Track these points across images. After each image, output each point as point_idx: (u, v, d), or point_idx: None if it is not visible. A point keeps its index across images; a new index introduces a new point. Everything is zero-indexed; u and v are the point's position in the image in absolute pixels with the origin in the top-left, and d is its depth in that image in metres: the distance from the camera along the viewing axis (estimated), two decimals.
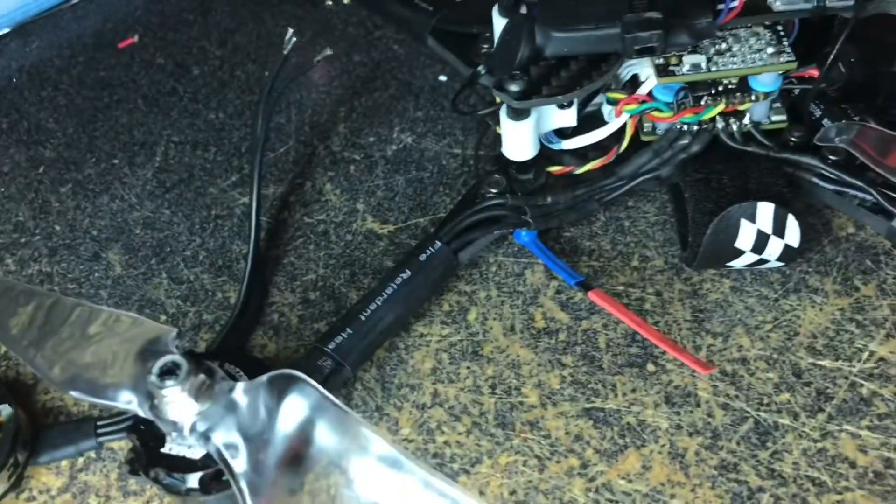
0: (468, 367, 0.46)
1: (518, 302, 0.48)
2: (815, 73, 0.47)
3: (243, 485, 0.36)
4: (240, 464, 0.36)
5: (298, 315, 0.48)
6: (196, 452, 0.38)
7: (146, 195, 0.54)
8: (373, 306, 0.44)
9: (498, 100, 0.46)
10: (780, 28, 0.46)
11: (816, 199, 0.48)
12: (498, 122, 0.47)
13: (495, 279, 0.49)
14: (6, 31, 0.63)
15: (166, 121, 0.58)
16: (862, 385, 0.44)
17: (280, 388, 0.36)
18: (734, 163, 0.46)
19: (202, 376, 0.36)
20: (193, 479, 0.37)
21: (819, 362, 0.45)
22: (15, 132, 0.58)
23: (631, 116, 0.47)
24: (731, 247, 0.45)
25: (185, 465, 0.38)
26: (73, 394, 0.37)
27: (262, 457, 0.36)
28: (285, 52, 0.48)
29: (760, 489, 0.41)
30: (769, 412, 0.43)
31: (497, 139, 0.48)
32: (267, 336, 0.48)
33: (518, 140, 0.47)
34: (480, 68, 0.49)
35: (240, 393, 0.36)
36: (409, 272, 0.45)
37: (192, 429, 0.36)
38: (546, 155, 0.50)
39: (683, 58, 0.45)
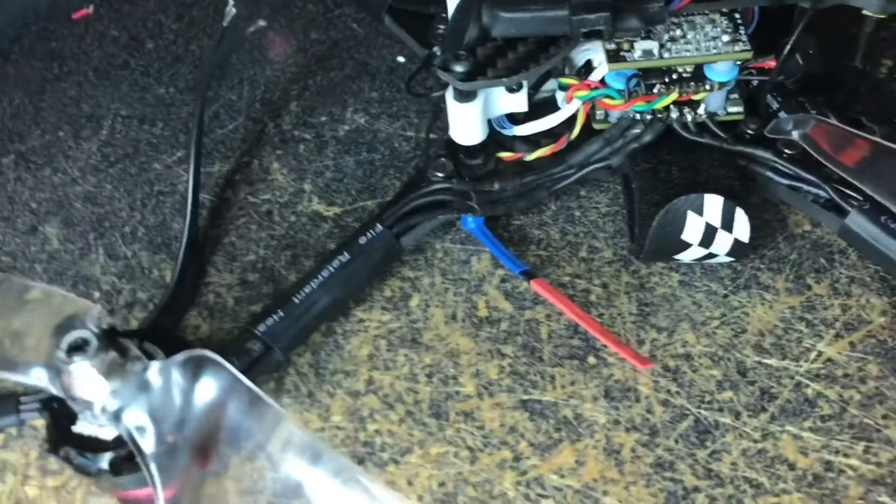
0: (406, 355, 0.45)
1: (462, 290, 0.47)
2: (772, 64, 0.45)
3: (153, 467, 0.34)
4: (150, 445, 0.34)
5: (235, 296, 0.47)
6: (108, 432, 0.36)
7: (89, 169, 0.53)
8: (307, 289, 0.43)
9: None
10: (737, 16, 0.44)
11: (771, 194, 0.47)
12: None
13: (440, 266, 0.48)
14: None
15: (116, 94, 0.56)
16: (807, 385, 0.43)
17: (194, 369, 0.35)
18: (685, 154, 0.45)
19: (113, 354, 0.34)
20: (104, 460, 0.36)
21: (765, 361, 0.43)
22: None
23: (583, 103, 0.46)
24: (678, 239, 0.43)
25: (97, 445, 0.36)
26: None
27: (174, 438, 0.35)
28: (225, 23, 0.47)
29: (696, 489, 0.40)
30: (710, 410, 0.42)
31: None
32: (201, 317, 0.46)
33: (465, 123, 0.45)
34: (436, 49, 0.48)
35: (154, 373, 0.35)
36: (347, 255, 0.44)
37: (103, 408, 0.35)
38: (498, 141, 0.48)
39: (635, 43, 0.44)
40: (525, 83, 0.45)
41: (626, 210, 0.48)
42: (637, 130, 0.46)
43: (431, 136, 0.50)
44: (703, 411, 0.42)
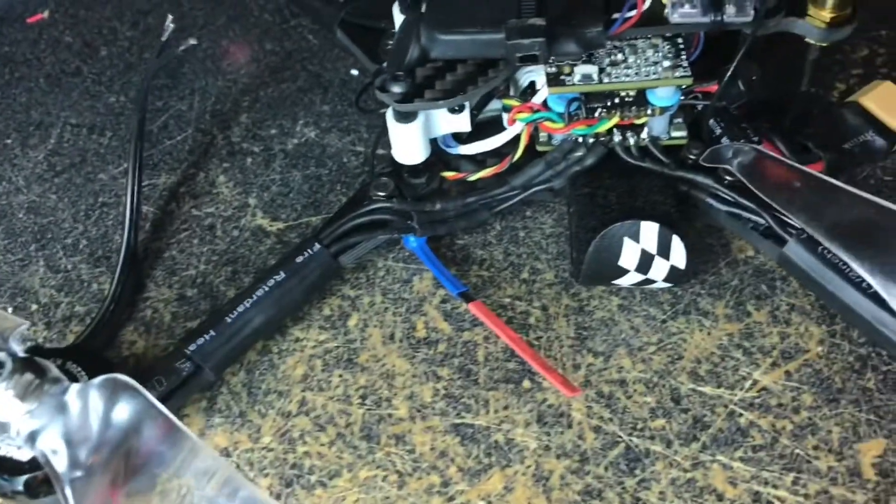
0: (340, 376, 0.44)
1: (402, 309, 0.46)
2: (715, 89, 0.45)
3: (68, 490, 0.34)
4: (65, 467, 0.34)
5: (172, 312, 0.47)
6: (24, 454, 0.36)
7: (35, 178, 0.52)
8: (240, 308, 0.43)
9: None
10: (680, 41, 0.44)
11: (713, 219, 0.47)
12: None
13: (382, 284, 0.47)
14: None
15: (66, 102, 0.56)
16: (741, 415, 0.42)
17: (111, 393, 0.35)
18: (624, 179, 0.44)
19: (29, 375, 0.34)
20: (20, 482, 0.36)
21: (700, 388, 0.43)
22: None
23: (526, 125, 0.46)
24: (615, 265, 0.43)
25: (13, 466, 0.36)
26: None
27: (90, 462, 0.35)
28: (164, 39, 0.46)
29: None
30: (642, 438, 0.42)
31: None
32: (137, 332, 0.46)
33: (406, 143, 0.45)
34: (385, 65, 0.48)
35: (72, 395, 0.35)
36: (283, 274, 0.44)
37: (19, 430, 0.34)
38: (444, 159, 0.48)
39: (576, 67, 0.44)
40: (467, 104, 0.45)
41: (568, 233, 0.48)
42: (579, 153, 0.46)
43: (379, 152, 0.50)
44: (634, 439, 0.42)
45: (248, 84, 0.56)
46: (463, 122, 0.46)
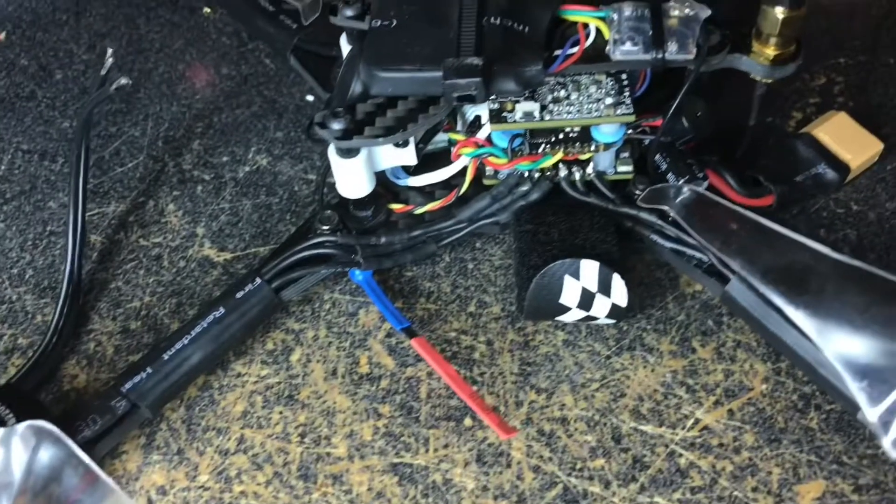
0: (281, 413, 0.44)
1: (346, 344, 0.46)
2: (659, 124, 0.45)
3: None
4: None
5: (115, 345, 0.46)
6: None
7: None
8: (178, 345, 0.43)
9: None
10: (623, 78, 0.44)
11: (658, 255, 0.46)
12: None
13: (327, 318, 0.47)
14: None
15: (19, 127, 0.56)
16: (681, 455, 0.42)
17: (34, 440, 0.34)
18: (567, 215, 0.44)
19: None
20: None
21: (641, 427, 0.43)
22: None
23: (472, 159, 0.45)
24: (557, 302, 0.43)
25: None
26: None
27: None
28: (103, 72, 0.46)
29: None
30: (580, 478, 0.42)
31: None
32: (80, 366, 0.46)
33: (349, 178, 0.45)
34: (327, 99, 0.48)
35: None
36: (222, 310, 0.44)
37: None
38: (393, 191, 0.48)
39: (518, 104, 0.43)
40: (412, 139, 0.45)
41: (514, 267, 0.47)
42: (525, 188, 0.45)
43: (330, 180, 0.50)
44: (573, 479, 0.42)
45: (202, 109, 0.56)
46: (408, 156, 0.46)
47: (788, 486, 0.41)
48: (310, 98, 0.56)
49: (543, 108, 0.43)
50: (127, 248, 0.50)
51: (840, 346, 0.36)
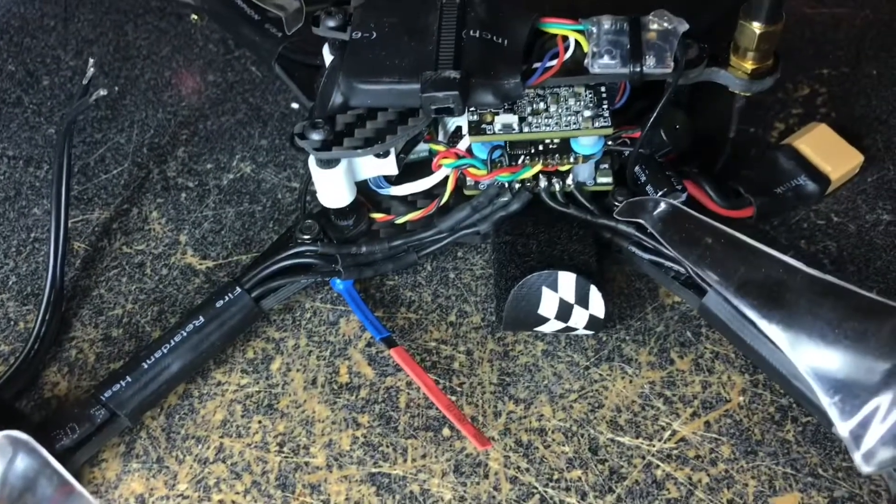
0: (260, 422, 0.44)
1: (326, 353, 0.46)
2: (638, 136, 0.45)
3: None
4: None
5: (97, 353, 0.47)
6: None
7: None
8: (157, 354, 0.43)
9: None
10: (602, 90, 0.44)
11: (636, 267, 0.47)
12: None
13: (307, 326, 0.47)
14: None
15: (4, 133, 0.56)
16: (658, 466, 0.42)
17: (9, 449, 0.35)
18: (545, 227, 0.44)
19: None
20: None
21: (618, 438, 0.43)
22: None
23: (452, 170, 0.46)
24: (535, 313, 0.43)
25: None
26: None
27: None
28: (84, 82, 0.46)
29: None
30: (557, 489, 0.42)
31: None
32: (61, 373, 0.46)
33: (329, 187, 0.45)
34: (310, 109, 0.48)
35: None
36: (202, 319, 0.44)
37: None
38: (375, 200, 0.48)
39: (497, 116, 0.43)
40: (392, 149, 0.45)
41: (493, 278, 0.48)
42: (505, 199, 0.45)
43: (312, 188, 0.50)
44: (550, 490, 0.42)
45: (188, 116, 0.56)
46: (389, 166, 0.46)
47: (764, 498, 0.41)
48: (295, 106, 0.56)
49: (522, 120, 0.43)
50: (110, 256, 0.50)
51: (812, 360, 0.37)
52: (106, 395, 0.42)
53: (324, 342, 0.47)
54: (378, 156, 0.45)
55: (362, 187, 0.47)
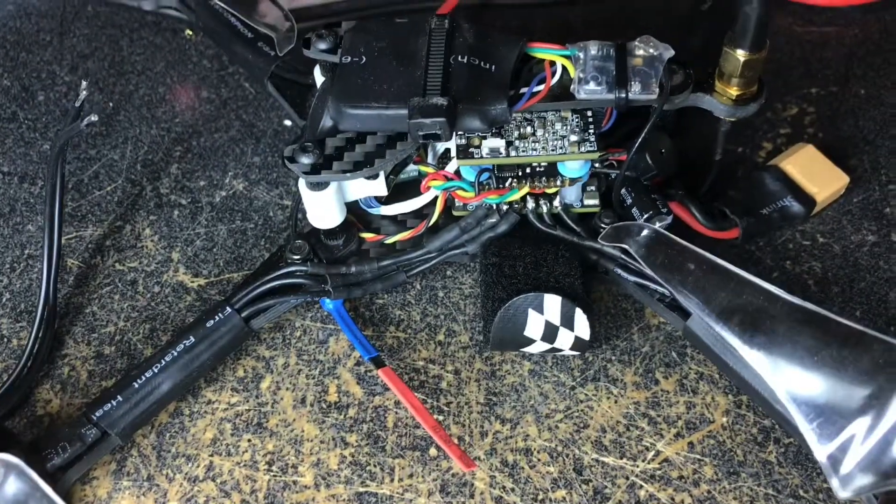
0: (249, 440, 0.45)
1: (315, 372, 0.47)
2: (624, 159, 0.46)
3: None
4: None
5: (89, 370, 0.47)
6: None
7: None
8: (148, 374, 0.43)
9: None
10: (589, 114, 0.44)
11: (622, 288, 0.47)
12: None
13: (297, 345, 0.48)
14: None
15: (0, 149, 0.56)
16: (641, 486, 0.43)
17: (3, 471, 0.35)
18: (532, 249, 0.45)
19: None
20: None
21: (603, 459, 0.44)
22: None
23: (441, 191, 0.46)
24: (521, 335, 0.44)
25: None
26: None
27: None
28: (77, 104, 0.46)
29: None
30: None
31: None
32: (53, 391, 0.46)
33: (319, 209, 0.45)
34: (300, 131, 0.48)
35: None
36: (192, 339, 0.44)
37: None
38: (365, 220, 0.49)
39: (484, 140, 0.44)
40: (381, 172, 0.45)
41: (480, 299, 0.48)
42: (493, 220, 0.46)
43: (303, 206, 0.51)
44: None
45: (182, 133, 0.57)
46: (378, 188, 0.46)
47: None
48: (287, 123, 0.57)
49: (509, 143, 0.44)
50: (103, 273, 0.51)
51: (792, 385, 0.37)
52: (97, 414, 0.42)
53: (313, 361, 0.47)
54: (367, 178, 0.46)
55: (352, 206, 0.48)
